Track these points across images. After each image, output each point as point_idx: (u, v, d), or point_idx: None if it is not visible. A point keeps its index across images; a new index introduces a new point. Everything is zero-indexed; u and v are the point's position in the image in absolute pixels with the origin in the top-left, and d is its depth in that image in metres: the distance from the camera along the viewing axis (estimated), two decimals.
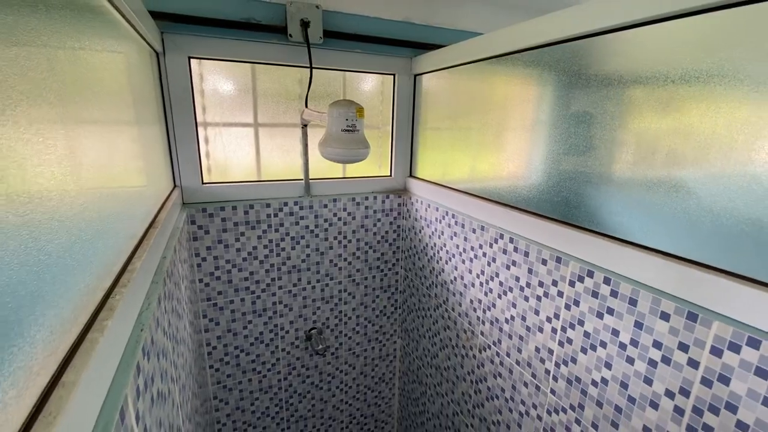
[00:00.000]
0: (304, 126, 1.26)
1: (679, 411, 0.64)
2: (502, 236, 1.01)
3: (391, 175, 1.52)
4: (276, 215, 1.32)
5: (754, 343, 0.53)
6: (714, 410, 0.59)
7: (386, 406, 1.79)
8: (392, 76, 1.42)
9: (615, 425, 0.75)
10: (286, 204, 1.33)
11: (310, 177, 1.36)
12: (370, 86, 1.44)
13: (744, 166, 0.55)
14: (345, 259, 1.48)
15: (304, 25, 1.16)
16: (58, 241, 0.36)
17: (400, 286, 1.63)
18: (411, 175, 1.53)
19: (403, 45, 1.34)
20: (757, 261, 0.55)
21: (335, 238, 1.44)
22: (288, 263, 1.38)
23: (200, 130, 1.22)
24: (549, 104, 0.88)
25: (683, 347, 0.62)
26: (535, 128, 0.92)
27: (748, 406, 0.55)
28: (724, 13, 0.55)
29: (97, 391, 0.37)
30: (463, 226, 1.17)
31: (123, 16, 0.69)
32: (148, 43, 0.95)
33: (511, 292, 0.99)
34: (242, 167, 1.31)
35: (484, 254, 1.08)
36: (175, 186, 1.18)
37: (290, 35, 1.17)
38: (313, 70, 1.22)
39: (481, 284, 1.11)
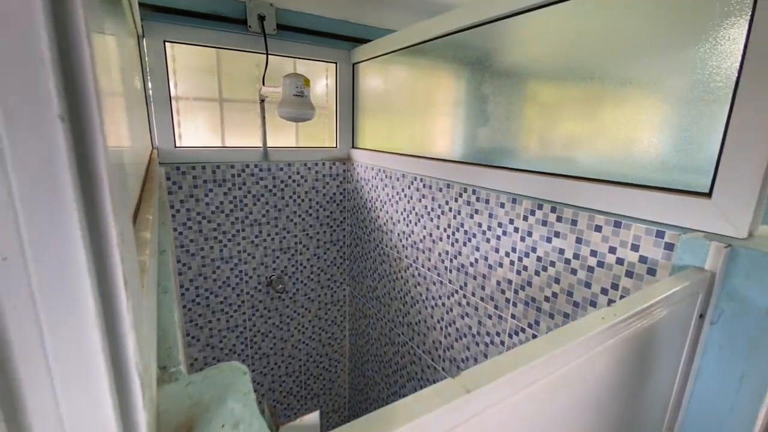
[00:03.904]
0: (262, 101, 1.55)
1: (512, 263, 1.02)
2: (416, 179, 1.37)
3: (336, 147, 1.84)
4: (239, 175, 1.59)
5: (540, 207, 0.92)
6: (527, 255, 0.97)
7: (338, 346, 2.09)
8: (335, 64, 1.75)
9: (483, 288, 1.12)
10: (248, 166, 1.60)
11: (268, 145, 1.64)
12: (318, 73, 1.76)
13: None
14: (299, 216, 1.78)
15: (261, 18, 1.46)
16: None
17: (347, 240, 1.95)
18: (353, 147, 1.86)
19: (343, 39, 1.67)
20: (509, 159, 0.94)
21: (290, 197, 1.73)
22: (250, 217, 1.65)
23: (173, 102, 1.46)
24: (447, 84, 1.25)
25: (511, 221, 1.00)
26: (439, 103, 1.29)
27: (542, 247, 0.93)
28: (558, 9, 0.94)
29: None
30: (390, 177, 1.52)
31: (130, 5, 0.96)
32: (135, 27, 1.20)
33: (423, 218, 1.35)
34: (209, 134, 1.57)
35: (405, 195, 1.44)
36: (153, 148, 1.42)
37: (249, 26, 1.46)
38: (269, 56, 1.52)
39: (404, 218, 1.46)
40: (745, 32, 0.60)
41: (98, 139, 0.15)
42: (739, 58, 0.61)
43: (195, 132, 1.54)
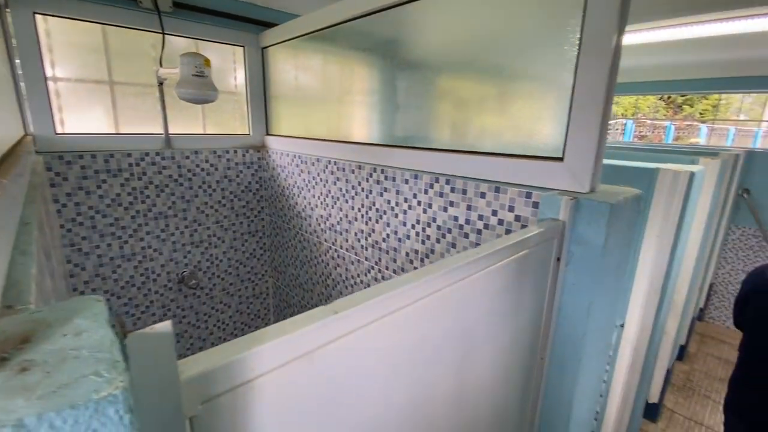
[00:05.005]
0: (161, 84, 1.45)
1: (417, 235, 1.10)
2: (330, 162, 1.39)
3: (249, 134, 1.78)
4: (138, 164, 1.47)
5: (437, 180, 1.01)
6: (429, 225, 1.06)
7: None
8: (242, 48, 1.69)
9: (394, 260, 1.20)
10: (147, 154, 1.48)
11: (170, 132, 1.54)
12: (223, 56, 1.68)
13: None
14: (211, 207, 1.69)
15: None
16: None
17: (266, 231, 1.91)
18: (268, 133, 1.82)
19: (249, 21, 1.62)
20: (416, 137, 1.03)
21: (200, 187, 1.64)
22: (154, 210, 1.54)
23: (51, 83, 1.30)
24: (356, 70, 1.29)
25: (414, 196, 1.08)
26: (348, 88, 1.32)
27: (440, 216, 1.02)
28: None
29: None
30: (306, 162, 1.52)
31: None
32: None
33: (339, 200, 1.38)
34: (99, 120, 1.42)
35: (321, 179, 1.45)
36: (26, 134, 1.24)
37: (140, 2, 1.34)
38: (167, 35, 1.42)
39: (321, 202, 1.48)
40: (580, 21, 0.73)
41: None
42: (577, 46, 0.73)
43: (81, 117, 1.38)
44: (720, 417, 2.33)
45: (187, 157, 1.58)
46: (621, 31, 0.70)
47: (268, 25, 1.66)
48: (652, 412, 2.23)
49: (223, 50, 1.67)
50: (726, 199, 2.80)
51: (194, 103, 1.30)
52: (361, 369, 0.39)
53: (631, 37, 2.12)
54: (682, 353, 2.85)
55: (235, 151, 1.71)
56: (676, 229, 1.39)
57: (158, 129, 1.53)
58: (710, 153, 2.37)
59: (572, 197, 0.72)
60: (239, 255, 1.84)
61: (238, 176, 1.74)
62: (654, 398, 2.21)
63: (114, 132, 1.46)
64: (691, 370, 2.82)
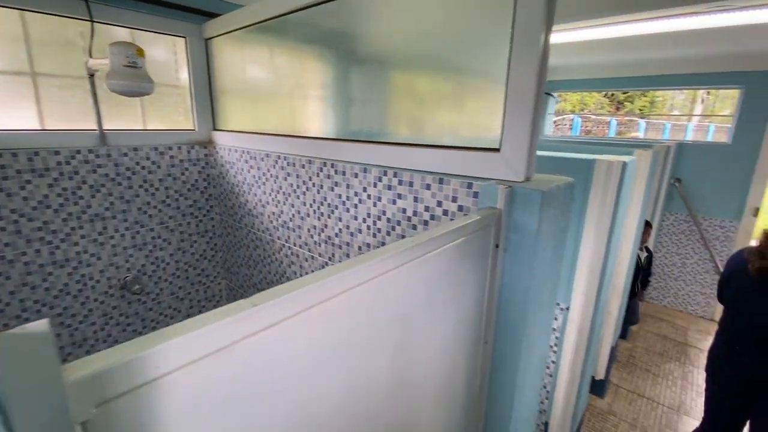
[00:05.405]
0: (92, 76, 1.34)
1: (368, 228, 1.10)
2: (279, 157, 1.36)
3: (195, 129, 1.70)
4: (68, 163, 1.35)
5: (385, 173, 1.01)
6: (379, 218, 1.06)
7: None
8: (184, 39, 1.60)
9: (347, 255, 1.19)
10: (79, 152, 1.37)
11: (105, 127, 1.43)
12: (166, 47, 1.59)
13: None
14: (155, 207, 1.60)
15: None
16: None
17: (217, 230, 1.84)
18: (215, 129, 1.74)
19: (189, 11, 1.54)
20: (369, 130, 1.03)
21: (141, 186, 1.55)
22: (89, 212, 1.43)
23: None
24: (304, 63, 1.26)
25: (364, 189, 1.08)
26: (296, 82, 1.29)
27: (390, 209, 1.03)
28: None
29: None
30: (255, 158, 1.48)
31: None
32: None
33: (290, 196, 1.36)
34: (21, 117, 1.30)
35: (271, 175, 1.42)
36: None
37: None
38: (96, 24, 1.32)
39: (273, 199, 1.44)
40: (511, 19, 0.75)
41: None
42: (509, 43, 0.76)
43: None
44: (659, 389, 2.54)
45: (126, 155, 1.48)
46: (548, 30, 0.73)
47: (211, 15, 1.59)
48: (598, 388, 2.39)
49: (165, 41, 1.58)
50: (659, 187, 3.05)
51: (127, 96, 1.22)
52: (287, 362, 0.39)
53: (570, 35, 2.23)
54: (625, 332, 3.07)
55: (179, 148, 1.63)
56: (612, 216, 1.49)
57: (91, 125, 1.42)
58: (645, 145, 2.56)
59: (508, 186, 0.75)
60: (188, 257, 1.75)
61: (183, 174, 1.66)
62: (600, 375, 2.37)
63: (39, 128, 1.33)
64: (633, 347, 3.05)
